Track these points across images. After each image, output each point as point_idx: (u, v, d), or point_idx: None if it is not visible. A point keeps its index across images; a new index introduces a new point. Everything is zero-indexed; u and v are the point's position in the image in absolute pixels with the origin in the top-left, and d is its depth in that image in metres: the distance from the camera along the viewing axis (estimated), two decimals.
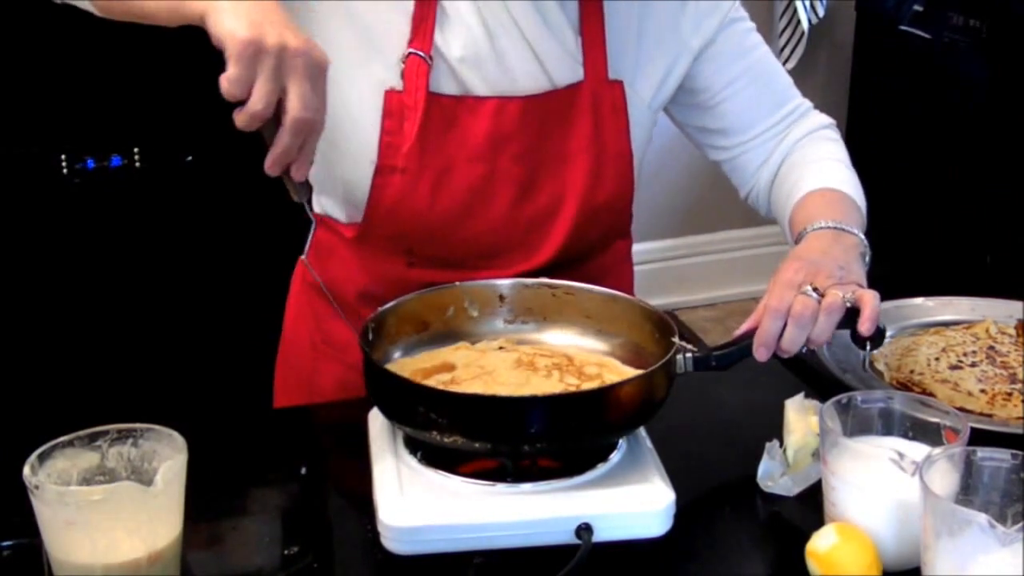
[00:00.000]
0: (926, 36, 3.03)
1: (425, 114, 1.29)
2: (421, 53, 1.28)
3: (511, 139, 1.32)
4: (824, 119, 1.49)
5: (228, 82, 1.05)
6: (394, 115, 1.29)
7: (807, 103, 1.50)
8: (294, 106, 1.06)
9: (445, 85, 1.31)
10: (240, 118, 1.07)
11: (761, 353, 1.16)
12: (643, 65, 1.38)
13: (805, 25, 3.30)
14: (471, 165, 1.32)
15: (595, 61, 1.34)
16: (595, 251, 1.45)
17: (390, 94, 1.30)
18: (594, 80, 1.34)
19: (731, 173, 1.49)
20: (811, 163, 1.43)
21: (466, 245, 1.36)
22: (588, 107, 1.34)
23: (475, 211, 1.34)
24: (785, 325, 1.15)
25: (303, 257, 1.50)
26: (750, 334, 1.17)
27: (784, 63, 3.37)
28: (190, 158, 2.47)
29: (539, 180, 1.35)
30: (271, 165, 1.09)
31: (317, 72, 1.07)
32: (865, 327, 1.16)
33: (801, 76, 3.41)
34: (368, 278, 1.40)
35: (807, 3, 3.29)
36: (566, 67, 1.34)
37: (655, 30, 1.37)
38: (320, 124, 1.09)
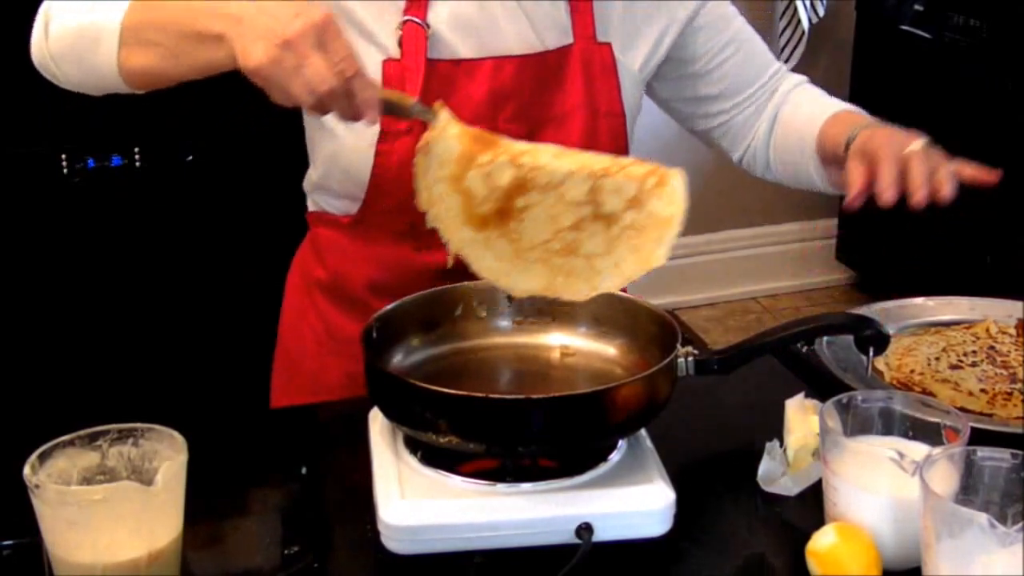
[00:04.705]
0: (926, 36, 3.03)
1: (425, 80, 1.31)
2: (418, 20, 1.30)
3: (509, 99, 1.35)
4: (801, 76, 1.58)
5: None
6: (394, 83, 1.31)
7: (783, 64, 1.58)
8: (313, 86, 1.06)
9: (440, 51, 1.33)
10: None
11: (891, 195, 1.20)
12: (632, 34, 1.41)
13: (805, 25, 3.30)
14: (477, 124, 1.32)
15: (583, 25, 1.37)
16: None
17: (388, 63, 1.31)
18: (583, 41, 1.37)
19: (723, 137, 1.54)
20: (817, 101, 1.50)
21: None
22: (579, 67, 1.37)
23: None
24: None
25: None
26: (752, 339, 1.17)
27: (784, 63, 3.36)
28: (190, 158, 2.47)
29: (537, 139, 1.36)
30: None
31: (323, 37, 1.06)
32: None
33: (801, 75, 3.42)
34: (375, 268, 1.41)
35: (807, 3, 3.29)
36: (556, 31, 1.37)
37: (642, 3, 1.41)
38: (350, 72, 1.07)
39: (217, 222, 2.53)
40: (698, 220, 3.47)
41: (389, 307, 1.21)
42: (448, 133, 1.09)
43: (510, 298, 1.26)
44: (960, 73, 2.96)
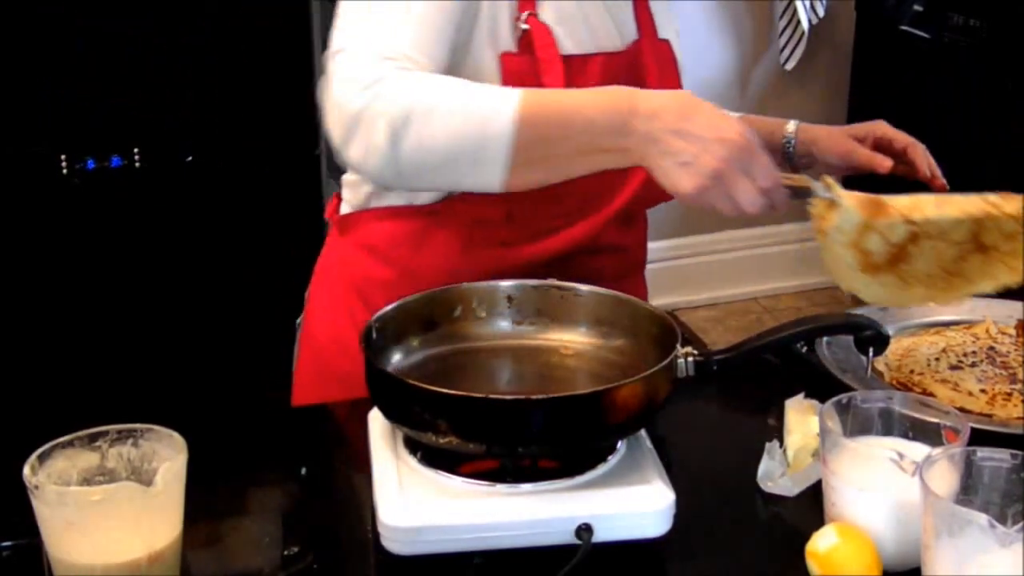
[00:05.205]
0: (926, 36, 3.03)
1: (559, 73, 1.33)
2: (543, 17, 1.32)
3: None
4: None
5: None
6: (514, 77, 1.31)
7: None
8: (742, 209, 1.14)
9: None
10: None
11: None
12: (674, 33, 1.47)
13: (805, 25, 3.30)
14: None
15: (646, 22, 1.42)
16: (633, 220, 1.49)
17: (506, 57, 1.32)
18: (648, 38, 1.42)
19: None
20: None
21: (567, 194, 1.36)
22: (653, 62, 1.42)
23: None
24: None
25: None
26: (752, 339, 1.17)
27: (784, 63, 3.38)
28: (190, 158, 2.47)
29: None
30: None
31: (746, 160, 1.13)
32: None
33: (801, 76, 3.42)
34: (458, 261, 1.39)
35: (807, 3, 3.29)
36: (628, 26, 1.41)
37: (672, 2, 1.48)
38: (774, 190, 1.15)
39: (217, 223, 2.53)
40: (698, 220, 3.48)
41: (389, 307, 1.20)
42: (847, 206, 1.18)
43: (510, 298, 1.27)
44: (960, 73, 2.96)
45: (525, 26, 1.31)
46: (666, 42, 1.44)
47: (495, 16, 1.31)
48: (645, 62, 1.41)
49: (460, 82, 1.21)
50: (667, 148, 1.13)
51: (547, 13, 1.33)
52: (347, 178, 1.48)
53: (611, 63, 1.38)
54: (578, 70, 1.34)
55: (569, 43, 1.34)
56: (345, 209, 1.49)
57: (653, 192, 1.44)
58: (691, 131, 1.12)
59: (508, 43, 1.32)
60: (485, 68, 1.31)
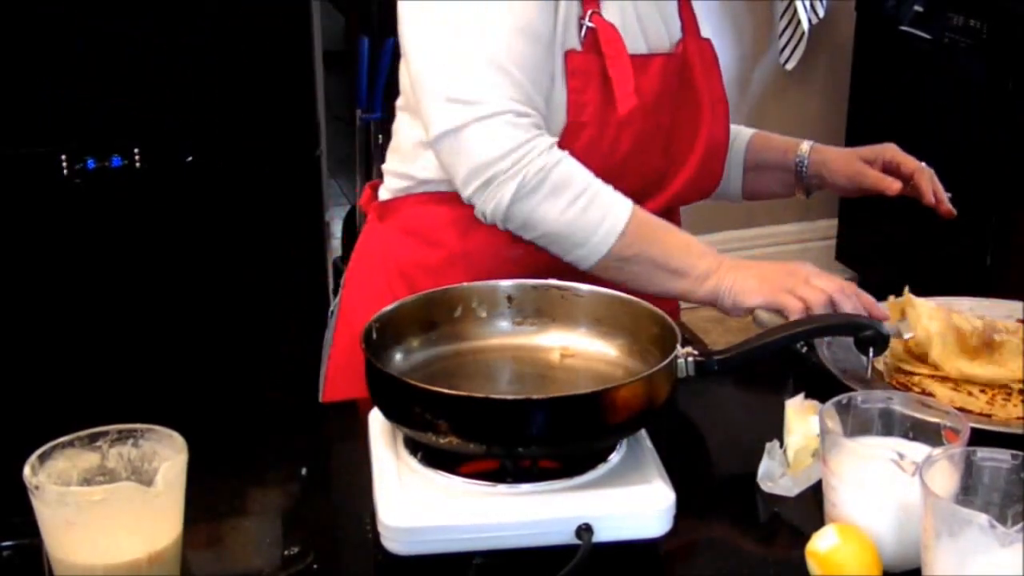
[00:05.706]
0: (926, 36, 3.04)
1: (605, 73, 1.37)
2: (606, 17, 1.36)
3: (668, 93, 1.43)
4: None
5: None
6: (579, 75, 1.36)
7: None
8: (811, 302, 1.30)
9: None
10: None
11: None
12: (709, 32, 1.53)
13: (805, 25, 3.30)
14: (647, 116, 1.40)
15: (690, 22, 1.48)
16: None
17: (571, 55, 1.35)
18: (692, 37, 1.47)
19: None
20: None
21: (621, 179, 1.39)
22: (698, 61, 1.47)
23: (640, 156, 1.42)
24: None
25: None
26: (753, 339, 1.17)
27: (784, 63, 3.38)
28: (190, 158, 2.47)
29: (681, 126, 1.46)
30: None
31: (817, 274, 1.32)
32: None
33: (801, 76, 3.43)
34: (506, 246, 1.41)
35: (807, 3, 3.29)
36: (674, 25, 1.46)
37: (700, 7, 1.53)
38: (845, 291, 1.32)
39: (217, 223, 2.53)
40: (698, 220, 3.47)
41: (389, 307, 1.20)
42: (921, 310, 1.36)
43: (510, 298, 1.27)
44: (960, 73, 2.96)
45: (591, 24, 1.35)
46: (708, 41, 1.49)
47: (555, 12, 1.35)
48: (691, 61, 1.46)
49: (590, 176, 1.34)
50: (744, 267, 1.33)
51: (608, 12, 1.37)
52: (389, 166, 1.49)
53: (668, 64, 1.43)
54: (640, 69, 1.39)
55: (628, 42, 1.38)
56: (385, 196, 1.50)
57: (698, 185, 1.51)
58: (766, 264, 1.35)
59: (573, 42, 1.36)
60: (551, 66, 1.35)
